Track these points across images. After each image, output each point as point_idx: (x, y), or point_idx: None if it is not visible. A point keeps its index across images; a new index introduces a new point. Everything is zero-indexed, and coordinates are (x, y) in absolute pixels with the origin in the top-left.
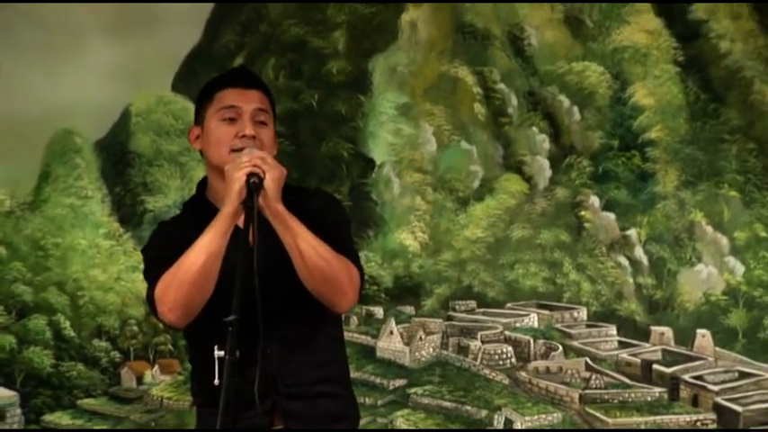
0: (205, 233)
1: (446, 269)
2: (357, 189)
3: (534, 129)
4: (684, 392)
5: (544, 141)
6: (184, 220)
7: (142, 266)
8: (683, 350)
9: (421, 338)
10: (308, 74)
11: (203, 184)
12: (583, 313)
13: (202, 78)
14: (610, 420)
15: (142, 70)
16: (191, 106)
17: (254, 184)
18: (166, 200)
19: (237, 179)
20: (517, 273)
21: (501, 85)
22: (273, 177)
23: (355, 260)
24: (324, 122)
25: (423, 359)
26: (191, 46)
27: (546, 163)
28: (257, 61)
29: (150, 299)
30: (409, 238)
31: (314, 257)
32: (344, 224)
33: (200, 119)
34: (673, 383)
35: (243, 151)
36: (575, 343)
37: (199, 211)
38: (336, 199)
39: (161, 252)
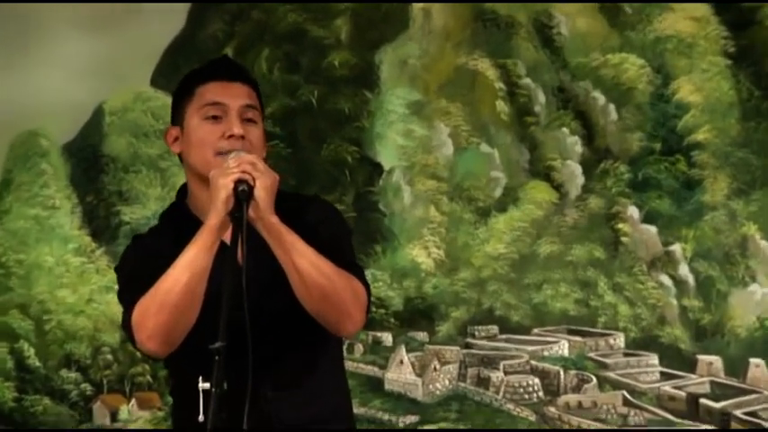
0: (187, 249)
1: (464, 290)
2: (362, 198)
3: (565, 130)
4: None
5: (576, 144)
6: (163, 233)
7: (117, 287)
8: (734, 382)
9: (435, 369)
10: (306, 67)
11: (183, 191)
12: (620, 340)
13: (186, 73)
14: None
15: (117, 63)
16: None
17: (242, 193)
18: (145, 210)
19: (224, 187)
20: (545, 294)
21: (526, 80)
22: (265, 185)
23: (360, 276)
24: (324, 122)
25: (437, 392)
26: (172, 36)
27: (578, 169)
28: (249, 53)
29: (126, 324)
30: (422, 255)
31: (313, 274)
32: (346, 236)
33: (178, 117)
34: (723, 420)
35: (229, 155)
36: (611, 374)
37: (179, 222)
38: (336, 208)
39: (137, 270)
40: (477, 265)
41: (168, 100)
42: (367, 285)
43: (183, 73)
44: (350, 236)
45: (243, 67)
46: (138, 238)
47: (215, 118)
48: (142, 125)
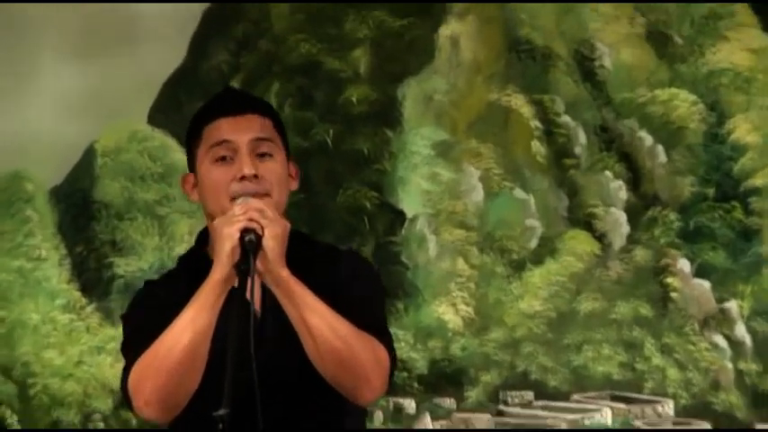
0: (189, 306)
1: (495, 351)
2: (383, 249)
3: (608, 173)
4: None
5: (620, 189)
6: (177, 281)
7: (117, 344)
8: None
9: None
10: (321, 103)
11: (204, 235)
12: (669, 407)
13: (187, 109)
14: None
15: (110, 99)
16: (172, 143)
17: (250, 243)
18: (141, 262)
19: (229, 237)
20: (586, 356)
21: (565, 118)
22: (274, 234)
23: (385, 339)
24: (341, 164)
25: None
26: (172, 68)
27: (622, 216)
28: (257, 87)
29: (124, 386)
30: (449, 312)
31: (327, 336)
32: (377, 298)
33: (192, 162)
34: None
35: (236, 201)
36: None
37: (196, 270)
38: (372, 266)
39: (145, 322)
40: (510, 324)
41: (167, 139)
42: (392, 352)
43: (184, 109)
44: (382, 298)
45: (251, 95)
46: (150, 285)
47: (224, 159)
48: (138, 167)
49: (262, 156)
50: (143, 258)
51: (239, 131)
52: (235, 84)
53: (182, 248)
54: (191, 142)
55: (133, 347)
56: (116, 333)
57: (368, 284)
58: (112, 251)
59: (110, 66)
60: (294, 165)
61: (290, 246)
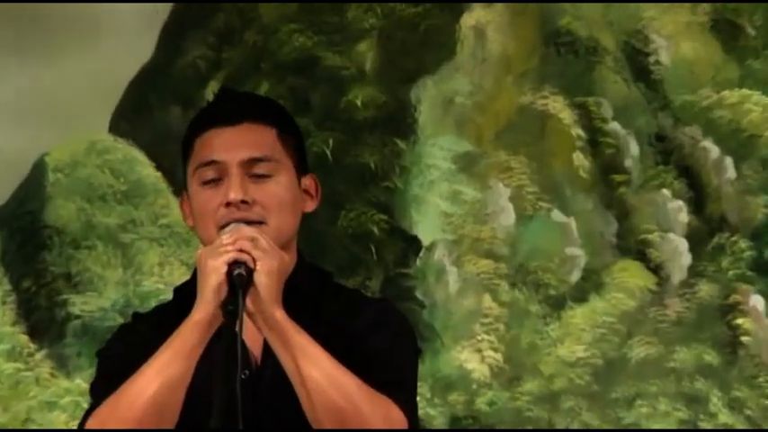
0: (161, 350)
1: (530, 407)
2: (393, 283)
3: (665, 192)
4: None
5: (680, 211)
6: (168, 315)
7: (73, 398)
8: None
9: None
10: (318, 107)
11: None
12: None
13: (158, 115)
14: None
15: (64, 104)
16: (139, 156)
17: (239, 278)
18: (101, 300)
19: (214, 270)
20: (639, 412)
21: (614, 125)
22: (269, 268)
23: (404, 398)
24: (343, 181)
25: None
26: (138, 66)
27: (683, 244)
28: (242, 88)
29: (81, 430)
30: (473, 360)
31: (327, 390)
32: (401, 352)
33: (185, 180)
34: None
35: (225, 228)
36: None
37: (192, 303)
38: (403, 319)
39: (120, 361)
40: (547, 374)
41: (133, 151)
42: (412, 413)
43: (153, 115)
44: (408, 354)
45: (251, 98)
46: (136, 319)
47: (212, 182)
48: (98, 185)
49: (257, 177)
50: (104, 295)
51: (229, 149)
52: (214, 84)
53: (150, 283)
54: (184, 155)
55: (101, 389)
56: (71, 385)
57: (390, 336)
58: (67, 286)
59: (63, 65)
60: (313, 180)
61: (302, 286)
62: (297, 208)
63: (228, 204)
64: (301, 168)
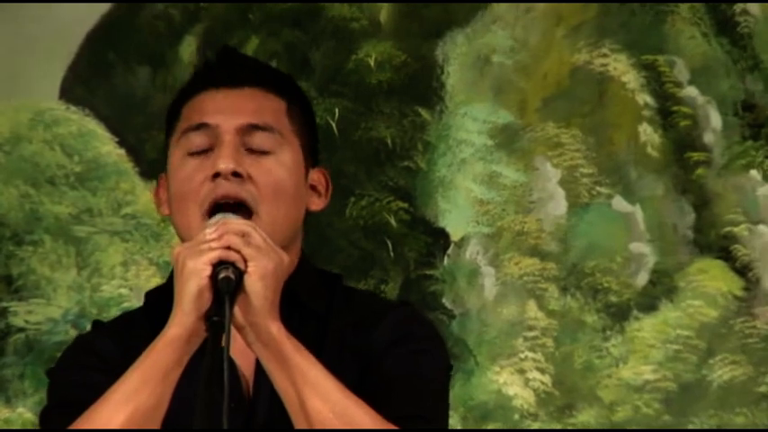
0: (131, 371)
1: None
2: (414, 287)
3: (754, 173)
4: None
5: None
6: (135, 326)
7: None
8: None
9: None
10: (321, 68)
11: None
12: None
13: (120, 78)
14: None
15: (4, 66)
16: (98, 129)
17: (225, 283)
18: (50, 309)
19: (194, 273)
20: None
21: (691, 90)
22: (263, 271)
23: None
24: (352, 161)
25: None
26: (97, 17)
27: None
28: (224, 43)
29: None
30: (515, 383)
31: (330, 421)
32: (426, 376)
33: (166, 157)
34: None
35: (211, 219)
36: None
37: (165, 310)
38: (429, 325)
39: (76, 384)
40: (607, 401)
41: (90, 123)
42: None
43: (115, 78)
44: (439, 378)
45: (260, 62)
46: (96, 329)
47: (199, 153)
48: (45, 166)
49: (253, 152)
50: (53, 302)
51: (225, 112)
52: (191, 38)
53: (111, 287)
54: (167, 129)
55: (54, 420)
56: (12, 415)
57: (413, 354)
58: (6, 292)
59: (3, 21)
60: (324, 175)
61: (304, 293)
62: (299, 200)
63: (216, 177)
64: (311, 158)
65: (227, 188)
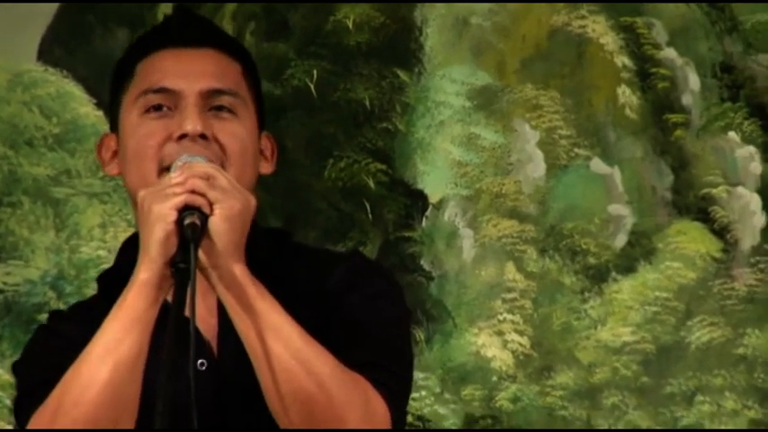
0: (105, 325)
1: (564, 403)
2: (393, 250)
3: (733, 135)
4: None
5: (752, 159)
6: (94, 311)
7: (10, 396)
8: None
9: None
10: (299, 30)
11: (132, 243)
12: None
13: (100, 39)
14: None
15: None
16: (76, 91)
17: (191, 228)
18: (28, 270)
19: (160, 218)
20: (700, 410)
21: (669, 52)
22: (229, 212)
23: (387, 384)
24: (330, 122)
25: None
26: None
27: (756, 201)
28: (203, 7)
29: None
30: (493, 345)
31: (294, 371)
32: (387, 317)
33: (116, 117)
34: None
35: (176, 162)
36: None
37: (120, 293)
38: (383, 271)
39: (46, 370)
40: (585, 363)
41: (67, 84)
42: (397, 405)
43: (93, 40)
44: (397, 318)
45: (215, 25)
46: (55, 318)
47: (160, 108)
48: (23, 127)
49: (218, 111)
50: (31, 264)
51: (188, 75)
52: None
53: (90, 249)
54: (116, 86)
55: (28, 406)
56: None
57: (369, 297)
58: None
59: None
60: (270, 140)
61: (255, 249)
62: (256, 164)
63: (183, 137)
64: (261, 123)
65: (194, 150)
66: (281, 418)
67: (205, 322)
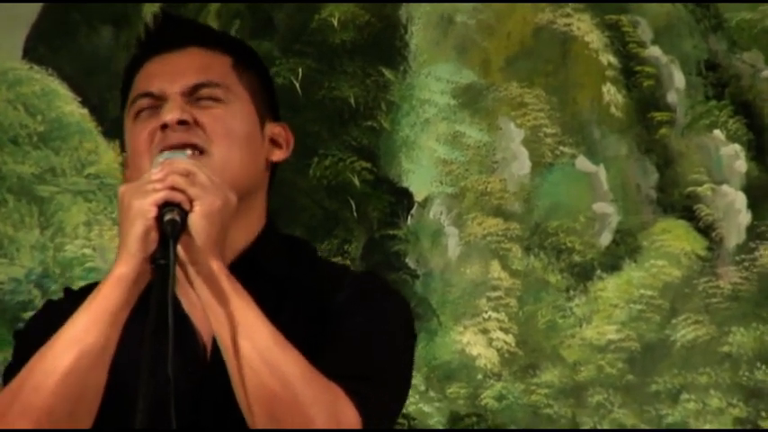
0: (76, 315)
1: (548, 402)
2: (377, 248)
3: (718, 133)
4: None
5: (737, 158)
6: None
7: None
8: None
9: None
10: (284, 28)
11: None
12: None
13: (85, 37)
14: None
15: None
16: (61, 89)
17: (171, 225)
18: (12, 268)
19: (140, 213)
20: (685, 408)
21: (654, 50)
22: (208, 209)
23: (361, 393)
24: (315, 121)
25: None
26: None
27: (740, 199)
28: (187, 6)
29: None
30: (478, 343)
31: (260, 370)
32: (378, 339)
33: (123, 126)
34: None
35: (157, 159)
36: None
37: None
38: (390, 292)
39: (39, 341)
40: (570, 361)
41: (53, 82)
42: (369, 413)
43: (79, 38)
44: (393, 345)
45: (197, 23)
46: (69, 296)
47: (150, 109)
48: (8, 125)
49: (201, 101)
50: (16, 262)
51: (171, 76)
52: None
53: (75, 247)
54: (121, 106)
55: (12, 377)
56: None
57: (373, 316)
58: None
59: None
60: (284, 128)
61: (264, 262)
62: (254, 149)
63: (164, 128)
64: (267, 112)
65: (176, 137)
66: (247, 417)
67: (202, 321)
